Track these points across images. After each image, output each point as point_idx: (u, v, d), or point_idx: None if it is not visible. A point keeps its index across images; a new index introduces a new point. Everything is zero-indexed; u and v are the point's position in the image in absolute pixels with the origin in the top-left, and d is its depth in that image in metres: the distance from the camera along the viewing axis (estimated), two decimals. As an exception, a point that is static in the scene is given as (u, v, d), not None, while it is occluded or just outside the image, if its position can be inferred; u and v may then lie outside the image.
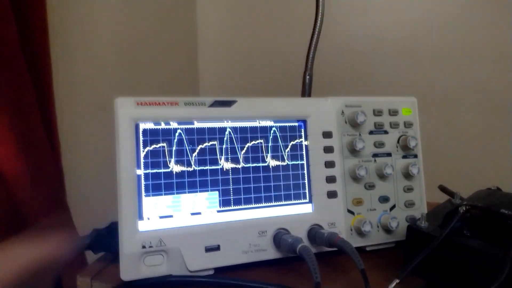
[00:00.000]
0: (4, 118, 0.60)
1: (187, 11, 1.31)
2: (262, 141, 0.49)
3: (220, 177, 0.46)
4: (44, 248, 0.36)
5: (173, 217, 0.44)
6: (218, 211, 0.46)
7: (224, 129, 0.47)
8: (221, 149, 0.47)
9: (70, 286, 0.46)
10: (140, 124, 0.44)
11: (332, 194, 0.50)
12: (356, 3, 1.18)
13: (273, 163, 0.49)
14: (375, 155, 0.53)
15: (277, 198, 0.49)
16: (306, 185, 0.50)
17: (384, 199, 0.52)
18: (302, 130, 0.51)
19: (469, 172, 1.11)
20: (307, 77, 0.67)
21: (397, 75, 1.16)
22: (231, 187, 0.47)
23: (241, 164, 0.47)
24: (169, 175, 0.44)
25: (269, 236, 0.46)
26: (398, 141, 0.54)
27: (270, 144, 0.49)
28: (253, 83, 1.31)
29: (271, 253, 0.46)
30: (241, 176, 0.47)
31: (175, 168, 0.44)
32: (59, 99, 0.76)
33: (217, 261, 0.44)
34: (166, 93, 1.10)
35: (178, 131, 0.45)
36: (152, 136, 0.44)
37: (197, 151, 0.46)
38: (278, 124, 0.50)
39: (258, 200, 0.48)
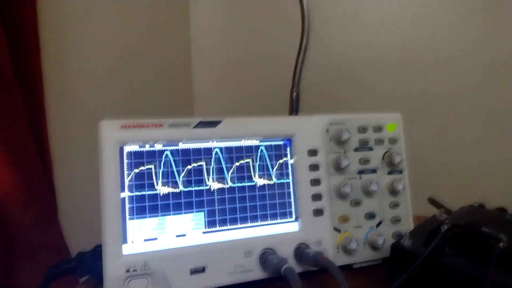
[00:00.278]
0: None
1: (181, 28, 1.32)
2: (249, 160, 0.49)
3: (205, 198, 0.46)
4: None
5: (158, 239, 0.44)
6: (204, 232, 0.46)
7: (210, 149, 0.47)
8: (208, 169, 0.47)
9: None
10: (124, 147, 0.44)
11: (318, 212, 0.50)
12: (345, 14, 1.20)
13: (260, 182, 0.49)
14: (360, 172, 0.53)
15: (263, 217, 0.49)
16: (292, 203, 0.50)
17: (370, 216, 0.53)
18: (288, 148, 0.51)
19: (462, 181, 1.12)
20: (294, 93, 0.68)
21: (388, 86, 1.17)
22: (216, 207, 0.47)
23: (229, 184, 0.48)
24: (154, 197, 0.44)
25: (255, 257, 0.46)
26: (383, 158, 0.54)
27: (257, 163, 0.49)
28: (245, 99, 1.32)
29: (257, 274, 0.46)
30: (226, 196, 0.47)
31: (162, 189, 0.45)
32: (51, 116, 0.76)
33: (203, 283, 0.44)
34: (159, 109, 1.11)
35: (165, 152, 0.45)
36: (136, 158, 0.44)
37: (184, 172, 0.46)
38: (264, 143, 0.50)
39: (244, 220, 0.48)
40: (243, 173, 0.48)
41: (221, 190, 0.47)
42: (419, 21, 1.14)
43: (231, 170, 0.48)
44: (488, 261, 0.35)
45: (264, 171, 0.50)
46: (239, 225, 0.47)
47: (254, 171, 0.49)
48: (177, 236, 0.45)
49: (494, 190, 1.08)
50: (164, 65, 1.20)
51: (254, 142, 0.50)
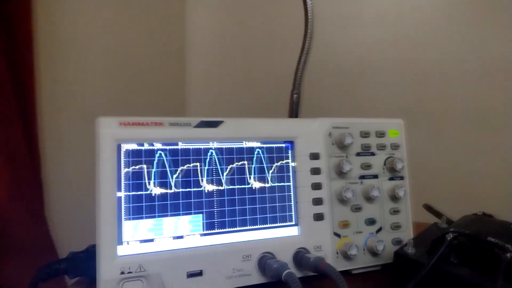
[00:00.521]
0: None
1: (176, 30, 1.31)
2: (246, 162, 0.48)
3: (204, 200, 0.45)
4: None
5: (154, 241, 0.42)
6: (202, 235, 0.45)
7: (211, 150, 0.46)
8: (202, 170, 0.46)
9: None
10: (122, 144, 0.42)
11: (318, 217, 0.49)
12: (343, 22, 1.20)
13: (257, 184, 0.48)
14: (362, 177, 0.52)
15: (263, 221, 0.48)
16: (293, 207, 0.49)
17: (370, 222, 0.52)
18: (290, 151, 0.50)
19: (456, 188, 1.12)
20: (295, 96, 0.67)
21: (384, 91, 1.17)
22: (215, 209, 0.45)
23: (224, 186, 0.46)
24: (150, 197, 0.43)
25: (253, 261, 0.45)
26: (384, 163, 0.54)
27: (254, 166, 0.48)
28: (241, 102, 1.30)
29: (255, 278, 0.45)
30: (225, 198, 0.46)
31: (155, 190, 0.43)
32: (41, 112, 0.74)
33: (200, 287, 0.43)
34: (152, 109, 1.09)
35: (160, 152, 0.44)
36: (134, 157, 0.43)
37: (178, 172, 0.44)
38: (265, 145, 0.49)
39: (243, 223, 0.46)
40: (240, 175, 0.47)
41: (218, 192, 0.46)
42: (416, 29, 1.14)
43: (227, 172, 0.47)
44: (493, 271, 0.34)
45: (263, 174, 0.48)
46: (237, 228, 0.46)
47: (250, 174, 0.48)
48: (174, 238, 0.43)
49: (487, 195, 1.09)
50: (158, 65, 1.18)
51: (255, 144, 0.48)
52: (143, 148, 0.43)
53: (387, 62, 1.17)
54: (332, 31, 1.18)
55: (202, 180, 0.45)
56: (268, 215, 0.48)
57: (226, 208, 0.46)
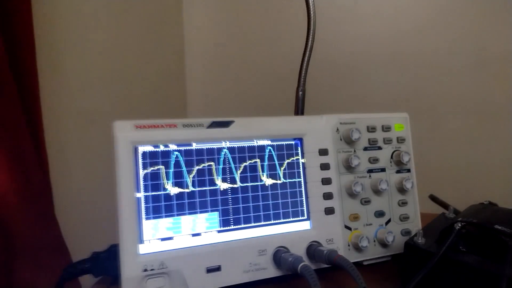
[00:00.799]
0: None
1: (175, 28, 1.31)
2: (258, 160, 0.49)
3: (219, 198, 0.47)
4: None
5: (174, 239, 0.44)
6: (219, 231, 0.46)
7: (223, 149, 0.48)
8: (217, 169, 0.47)
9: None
10: (139, 147, 0.44)
11: (329, 211, 0.51)
12: (345, 15, 1.21)
13: (269, 181, 0.49)
14: (370, 171, 0.54)
15: (276, 216, 0.49)
16: (304, 202, 0.51)
17: (379, 214, 0.53)
18: (299, 148, 0.51)
19: (457, 179, 1.14)
20: (300, 93, 0.68)
21: (384, 84, 1.19)
22: (230, 207, 0.47)
23: (238, 184, 0.48)
24: (168, 197, 0.44)
25: (269, 255, 0.47)
26: (391, 157, 0.55)
27: (266, 163, 0.50)
28: (243, 101, 1.32)
29: (271, 272, 0.47)
30: (239, 195, 0.48)
31: (172, 190, 0.45)
32: (46, 115, 0.75)
33: (219, 281, 0.44)
34: (153, 109, 1.10)
35: (175, 153, 0.45)
36: (151, 158, 0.44)
37: (193, 172, 0.46)
38: (275, 143, 0.50)
39: (257, 219, 0.48)
40: (253, 173, 0.49)
41: (233, 190, 0.47)
42: (416, 21, 1.15)
43: (243, 170, 0.48)
44: (502, 258, 0.36)
45: (274, 171, 0.50)
46: (252, 224, 0.48)
47: (262, 171, 0.49)
48: (193, 235, 0.45)
49: (487, 185, 1.10)
50: (159, 65, 1.19)
51: (265, 142, 0.50)
52: (159, 149, 0.45)
53: (386, 56, 1.18)
54: (331, 26, 1.19)
55: (217, 178, 0.47)
56: (281, 211, 0.49)
57: (240, 205, 0.47)
